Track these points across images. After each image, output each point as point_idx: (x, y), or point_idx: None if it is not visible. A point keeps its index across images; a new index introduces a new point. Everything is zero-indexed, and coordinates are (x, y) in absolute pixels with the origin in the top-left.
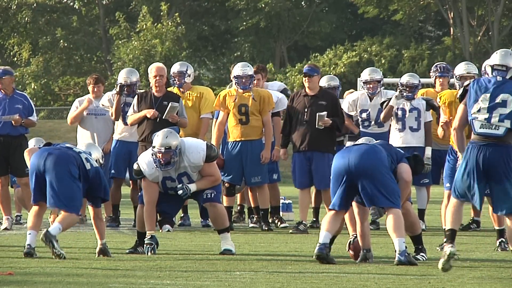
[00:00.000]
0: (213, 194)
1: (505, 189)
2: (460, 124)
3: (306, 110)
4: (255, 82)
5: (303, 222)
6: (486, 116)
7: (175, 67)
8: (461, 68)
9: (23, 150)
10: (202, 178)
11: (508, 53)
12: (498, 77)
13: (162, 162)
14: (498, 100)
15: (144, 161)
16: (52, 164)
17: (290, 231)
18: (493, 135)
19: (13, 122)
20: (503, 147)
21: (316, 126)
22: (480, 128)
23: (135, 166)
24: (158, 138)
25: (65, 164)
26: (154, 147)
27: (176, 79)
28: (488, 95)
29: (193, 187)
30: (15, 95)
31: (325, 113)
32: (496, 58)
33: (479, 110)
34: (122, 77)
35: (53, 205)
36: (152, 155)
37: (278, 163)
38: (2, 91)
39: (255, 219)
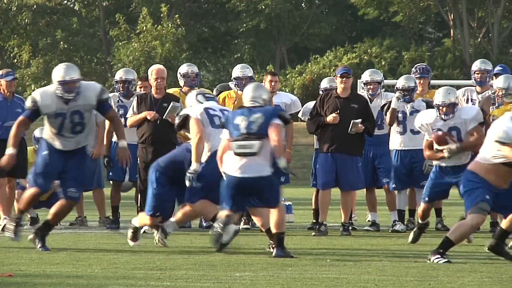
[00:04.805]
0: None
1: None
2: None
3: (338, 112)
4: (273, 84)
5: (324, 222)
6: None
7: (190, 69)
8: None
9: (23, 152)
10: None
11: None
12: None
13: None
14: None
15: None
16: None
17: (313, 233)
18: None
19: None
20: None
21: (349, 132)
22: None
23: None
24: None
25: None
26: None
27: (190, 79)
28: None
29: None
30: (14, 99)
31: (359, 120)
32: None
33: None
34: (118, 75)
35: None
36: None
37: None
38: (7, 94)
39: (243, 221)
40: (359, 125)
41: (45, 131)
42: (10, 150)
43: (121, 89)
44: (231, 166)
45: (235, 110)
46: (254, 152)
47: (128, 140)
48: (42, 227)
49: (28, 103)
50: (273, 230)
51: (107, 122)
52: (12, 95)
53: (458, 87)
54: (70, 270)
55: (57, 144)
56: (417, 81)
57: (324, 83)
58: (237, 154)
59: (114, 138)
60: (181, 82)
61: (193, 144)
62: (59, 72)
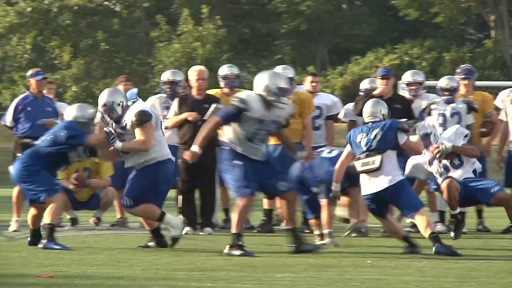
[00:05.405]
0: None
1: None
2: None
3: None
4: (313, 85)
5: (365, 224)
6: None
7: (230, 70)
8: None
9: None
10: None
11: None
12: None
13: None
14: None
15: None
16: None
17: (354, 234)
18: None
19: (46, 125)
20: None
21: None
22: None
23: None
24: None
25: None
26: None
27: (230, 81)
28: None
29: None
30: (44, 98)
31: (404, 120)
32: None
33: None
34: (166, 76)
35: None
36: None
37: None
38: (37, 93)
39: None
40: None
41: (230, 137)
42: (195, 148)
43: (168, 90)
44: (365, 186)
45: (356, 128)
46: (377, 167)
47: (169, 141)
48: (294, 234)
49: (236, 103)
50: (426, 234)
51: None
52: (42, 95)
53: (499, 88)
54: (111, 271)
55: (242, 151)
56: (462, 82)
57: (365, 84)
58: (361, 172)
59: None
60: (222, 84)
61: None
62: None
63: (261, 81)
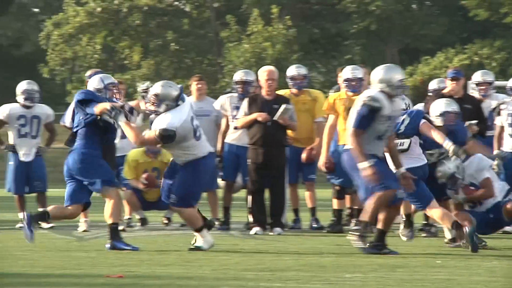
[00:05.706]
0: None
1: None
2: None
3: None
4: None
5: (434, 224)
6: None
7: (297, 71)
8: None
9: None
10: None
11: None
12: None
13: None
14: None
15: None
16: None
17: (424, 235)
18: None
19: None
20: None
21: None
22: None
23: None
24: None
25: None
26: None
27: (298, 82)
28: None
29: None
30: None
31: (476, 121)
32: None
33: None
34: (238, 76)
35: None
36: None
37: None
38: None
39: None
40: (474, 126)
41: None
42: (365, 164)
43: (240, 90)
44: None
45: None
46: (405, 148)
47: (239, 142)
48: (383, 236)
49: (370, 103)
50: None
51: (223, 123)
52: None
53: None
54: (180, 271)
55: (372, 151)
56: None
57: (433, 84)
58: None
59: (227, 139)
60: (290, 84)
61: None
62: (396, 70)
63: (380, 76)
